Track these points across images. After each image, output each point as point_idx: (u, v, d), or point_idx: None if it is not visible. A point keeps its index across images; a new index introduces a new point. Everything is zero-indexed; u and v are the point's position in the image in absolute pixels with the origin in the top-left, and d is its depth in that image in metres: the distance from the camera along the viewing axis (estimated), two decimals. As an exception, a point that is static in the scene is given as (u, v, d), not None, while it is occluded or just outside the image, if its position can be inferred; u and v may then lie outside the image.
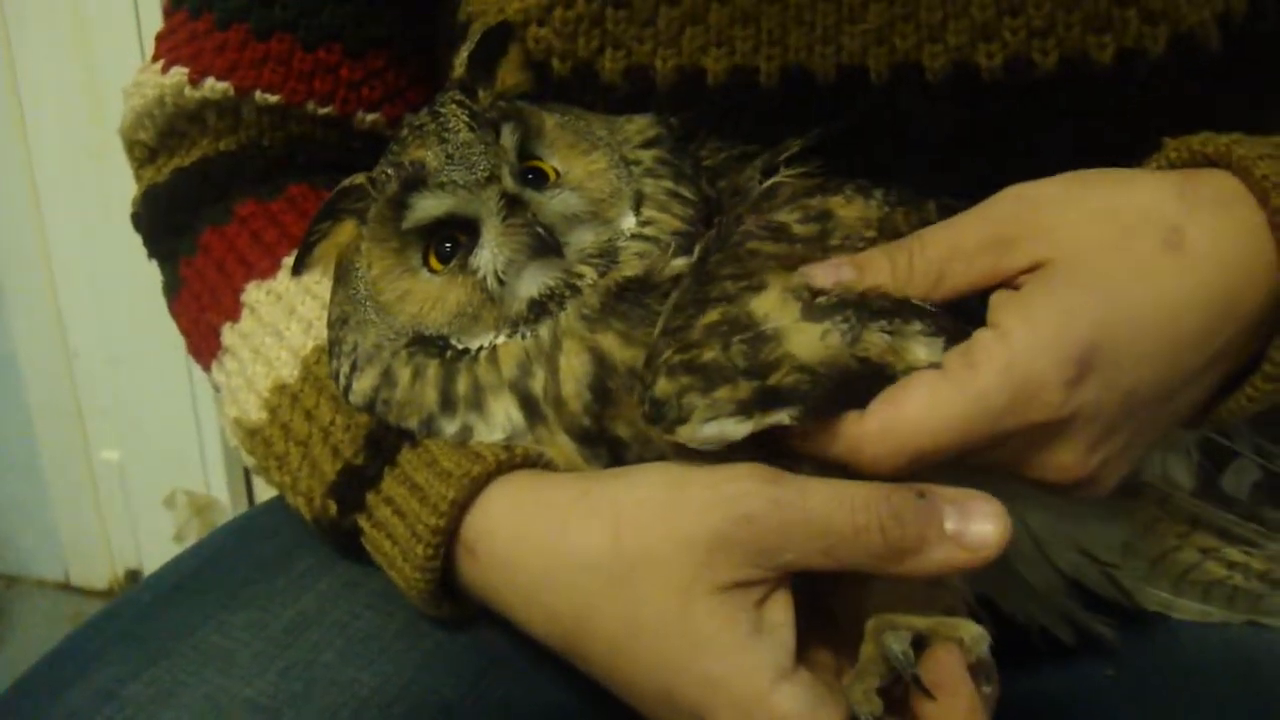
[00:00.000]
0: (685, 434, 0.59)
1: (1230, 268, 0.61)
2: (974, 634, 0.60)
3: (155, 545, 2.22)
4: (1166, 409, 0.63)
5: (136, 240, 0.93)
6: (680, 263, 0.64)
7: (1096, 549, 0.72)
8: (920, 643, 0.60)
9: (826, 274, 0.62)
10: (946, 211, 0.67)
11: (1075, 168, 0.65)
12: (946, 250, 0.62)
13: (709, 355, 0.59)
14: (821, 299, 0.60)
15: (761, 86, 0.73)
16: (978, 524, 0.58)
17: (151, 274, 0.92)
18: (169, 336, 0.90)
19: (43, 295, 2.21)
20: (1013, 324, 0.59)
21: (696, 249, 0.65)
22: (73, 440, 2.29)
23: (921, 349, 0.61)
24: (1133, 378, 0.60)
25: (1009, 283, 0.62)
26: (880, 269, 0.62)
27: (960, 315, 0.62)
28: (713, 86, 0.73)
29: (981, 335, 0.60)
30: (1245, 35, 0.71)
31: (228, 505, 2.19)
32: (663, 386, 0.59)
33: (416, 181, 0.65)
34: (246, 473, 2.16)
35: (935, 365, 0.60)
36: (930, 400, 0.58)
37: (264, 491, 0.72)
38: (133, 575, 2.32)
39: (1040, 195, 0.63)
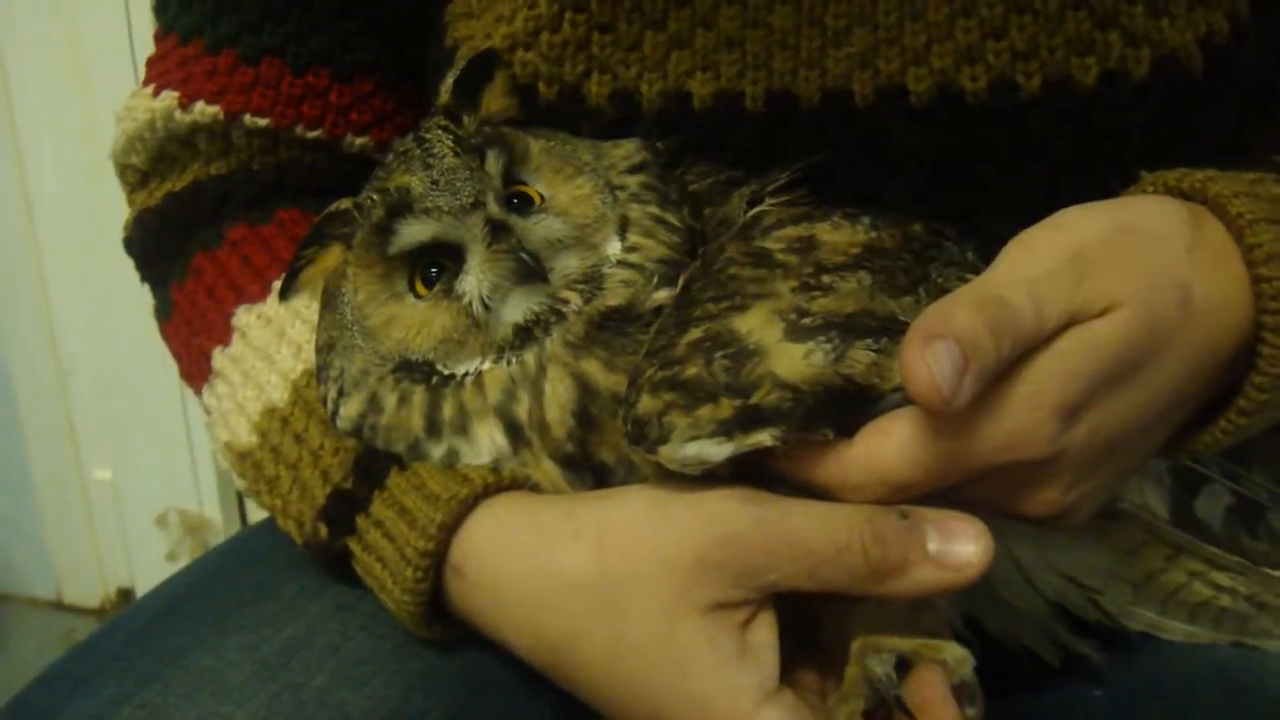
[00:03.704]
0: (666, 454, 0.59)
1: (1218, 318, 0.62)
2: (958, 656, 0.61)
3: (148, 564, 2.21)
4: (1143, 445, 0.63)
5: (130, 261, 0.93)
6: (663, 294, 0.64)
7: (1079, 574, 0.72)
8: (904, 664, 0.60)
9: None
10: (933, 233, 0.68)
11: (1059, 191, 0.65)
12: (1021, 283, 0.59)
13: (691, 371, 0.59)
14: (807, 319, 0.60)
15: (747, 110, 0.73)
16: (960, 545, 0.58)
17: (145, 295, 0.92)
18: (162, 357, 0.90)
19: (36, 315, 2.21)
20: (1016, 369, 0.58)
21: (680, 279, 0.65)
22: (65, 459, 2.30)
23: None
24: (1120, 423, 0.60)
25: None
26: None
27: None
28: (699, 111, 0.74)
29: None
30: (1227, 58, 0.71)
31: (220, 525, 2.19)
32: (645, 405, 0.59)
33: (402, 207, 0.66)
34: (239, 492, 2.15)
35: None
36: (918, 432, 0.58)
37: (256, 511, 0.72)
38: (125, 594, 2.31)
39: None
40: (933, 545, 0.58)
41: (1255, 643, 0.77)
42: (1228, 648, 0.77)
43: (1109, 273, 0.59)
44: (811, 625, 0.64)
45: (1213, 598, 0.75)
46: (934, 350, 0.54)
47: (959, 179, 0.73)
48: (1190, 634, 0.76)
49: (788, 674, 0.61)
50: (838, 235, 0.65)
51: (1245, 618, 0.76)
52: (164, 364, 0.89)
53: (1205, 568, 0.74)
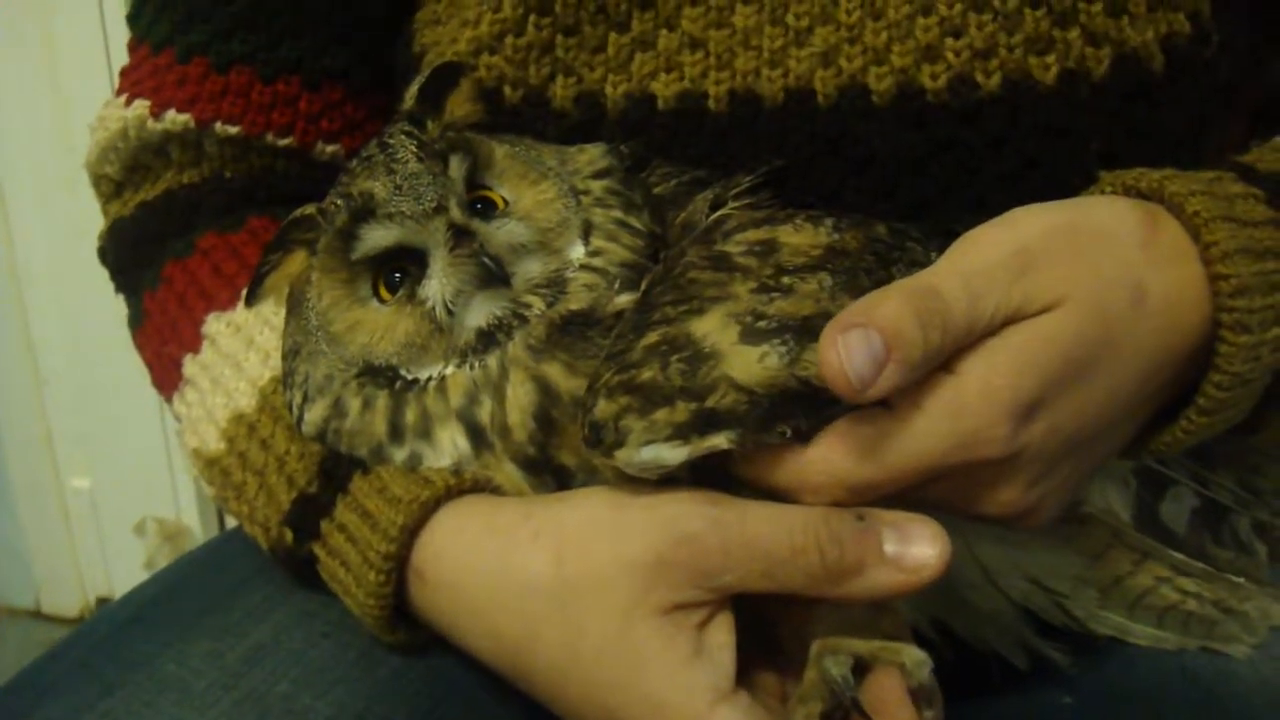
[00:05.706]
0: (622, 458, 0.59)
1: (1176, 317, 0.62)
2: (915, 659, 0.60)
3: (126, 573, 2.21)
4: (1104, 443, 0.64)
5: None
6: (625, 299, 0.64)
7: (1046, 578, 0.72)
8: (862, 667, 0.60)
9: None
10: (896, 234, 0.68)
11: (1020, 191, 0.66)
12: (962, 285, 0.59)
13: (647, 375, 0.59)
14: (762, 322, 0.60)
15: (710, 111, 0.74)
16: (917, 546, 0.58)
17: (122, 304, 0.92)
18: (140, 365, 0.90)
19: (14, 323, 2.21)
20: (967, 366, 0.58)
21: (642, 284, 0.65)
22: (44, 468, 2.29)
23: None
24: (1078, 421, 0.60)
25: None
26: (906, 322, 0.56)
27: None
28: (663, 112, 0.74)
29: (933, 375, 0.59)
30: (1187, 58, 0.72)
31: (198, 532, 2.18)
32: (602, 408, 0.59)
33: (365, 212, 0.65)
34: (217, 500, 2.15)
35: None
36: (875, 433, 0.58)
37: (234, 519, 0.73)
38: (104, 603, 2.30)
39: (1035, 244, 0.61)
40: (890, 547, 0.58)
41: (1223, 648, 0.77)
42: (1196, 654, 0.77)
43: (1054, 270, 0.59)
44: (771, 628, 0.64)
45: (1180, 602, 0.75)
46: (848, 338, 0.55)
47: (920, 179, 0.73)
48: (1158, 639, 0.77)
49: (747, 676, 0.60)
50: (799, 237, 0.65)
51: (1213, 623, 0.76)
52: (142, 372, 0.89)
53: (1172, 573, 0.74)
